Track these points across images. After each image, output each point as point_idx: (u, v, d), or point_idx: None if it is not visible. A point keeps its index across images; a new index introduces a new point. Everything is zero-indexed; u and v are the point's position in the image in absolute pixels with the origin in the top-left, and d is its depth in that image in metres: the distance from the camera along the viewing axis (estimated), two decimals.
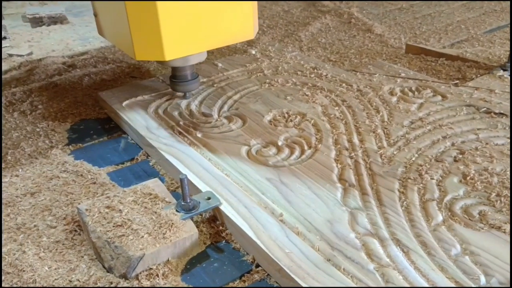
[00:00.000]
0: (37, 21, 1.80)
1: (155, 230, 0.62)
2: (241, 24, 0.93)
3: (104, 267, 0.62)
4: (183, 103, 1.02)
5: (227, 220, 0.68)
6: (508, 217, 0.65)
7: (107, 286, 0.59)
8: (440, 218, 0.66)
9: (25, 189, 0.77)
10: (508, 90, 1.02)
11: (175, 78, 1.00)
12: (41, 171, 0.82)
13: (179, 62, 0.94)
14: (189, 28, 0.87)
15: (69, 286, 0.59)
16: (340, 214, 0.67)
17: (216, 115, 0.97)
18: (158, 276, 0.60)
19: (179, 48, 0.88)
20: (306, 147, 0.85)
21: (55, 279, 0.59)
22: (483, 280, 0.56)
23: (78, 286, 0.58)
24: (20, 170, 0.83)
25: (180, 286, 0.60)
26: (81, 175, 0.82)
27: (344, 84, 1.08)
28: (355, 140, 0.86)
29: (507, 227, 0.63)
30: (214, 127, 0.92)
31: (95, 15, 1.03)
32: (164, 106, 1.02)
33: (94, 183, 0.80)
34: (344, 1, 1.93)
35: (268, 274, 0.62)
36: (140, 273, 0.60)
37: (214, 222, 0.71)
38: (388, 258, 0.60)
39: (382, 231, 0.64)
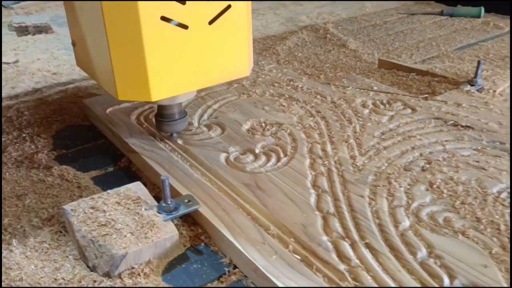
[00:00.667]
0: (22, 30, 1.81)
1: (137, 230, 0.65)
2: (235, 61, 0.85)
3: (88, 266, 0.65)
4: None
5: (206, 223, 0.71)
6: (472, 223, 0.70)
7: (90, 284, 0.62)
8: (407, 223, 0.71)
9: (12, 192, 0.79)
10: (475, 104, 1.08)
11: (161, 117, 0.89)
12: (27, 174, 0.84)
13: (166, 100, 0.85)
14: (178, 66, 0.78)
15: (54, 284, 0.61)
16: (313, 218, 0.71)
17: (197, 123, 1.01)
18: (140, 275, 0.63)
19: (167, 88, 0.78)
20: (282, 155, 0.89)
21: (41, 277, 0.61)
22: (446, 282, 0.61)
23: (63, 284, 0.61)
24: (7, 174, 0.85)
25: (161, 285, 0.63)
26: (66, 179, 0.85)
27: (319, 96, 1.13)
28: (329, 149, 0.90)
29: (470, 232, 0.68)
30: (195, 135, 0.96)
31: (73, 44, 0.93)
32: (146, 114, 1.05)
33: (79, 187, 0.83)
34: (320, 17, 2.00)
35: (245, 275, 0.65)
36: (123, 272, 0.63)
37: (194, 225, 0.74)
38: (358, 260, 0.64)
39: (353, 234, 0.68)
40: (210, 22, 0.77)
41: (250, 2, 0.83)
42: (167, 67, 0.76)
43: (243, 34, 0.83)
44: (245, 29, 0.83)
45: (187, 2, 0.73)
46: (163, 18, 0.72)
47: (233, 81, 1.15)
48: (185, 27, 0.75)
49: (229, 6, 0.78)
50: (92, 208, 0.69)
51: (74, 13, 0.84)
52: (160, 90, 0.77)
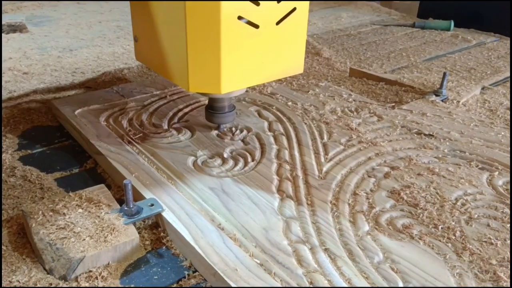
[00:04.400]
0: None
1: (97, 233, 0.65)
2: (293, 58, 0.91)
3: (45, 269, 0.64)
4: (134, 114, 1.06)
5: (168, 226, 0.72)
6: (429, 229, 0.72)
7: (46, 286, 0.61)
8: (366, 228, 0.72)
9: None
10: (439, 113, 1.11)
11: (212, 109, 0.96)
12: None
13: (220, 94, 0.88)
14: (246, 62, 0.83)
15: (8, 286, 0.60)
16: (275, 223, 0.72)
17: (166, 126, 1.01)
18: (97, 279, 0.63)
19: (234, 82, 0.84)
20: (250, 160, 0.90)
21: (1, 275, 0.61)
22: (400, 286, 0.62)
23: (17, 286, 0.60)
24: None
25: (118, 287, 0.63)
26: (29, 180, 0.84)
27: (290, 103, 1.14)
28: (296, 154, 0.91)
29: (427, 238, 0.70)
30: (164, 138, 0.96)
31: (136, 39, 0.97)
32: (115, 116, 1.05)
33: (41, 188, 0.82)
34: None
35: (204, 279, 0.66)
36: (80, 275, 0.63)
37: (156, 229, 0.74)
38: (316, 264, 0.65)
39: (313, 239, 0.69)
40: (277, 23, 0.84)
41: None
42: (237, 62, 0.82)
43: (302, 34, 0.90)
44: (305, 29, 0.90)
45: (261, 3, 0.79)
46: (239, 18, 0.78)
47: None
48: (256, 26, 0.81)
49: (294, 9, 0.85)
50: (52, 210, 0.68)
51: (144, 10, 0.88)
52: (229, 84, 0.83)
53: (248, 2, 0.78)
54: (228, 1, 0.75)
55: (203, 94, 0.89)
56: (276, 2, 0.82)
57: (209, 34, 0.77)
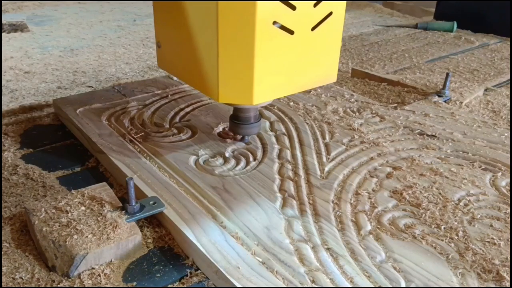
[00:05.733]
0: None
1: (99, 231, 0.65)
2: (327, 67, 0.85)
3: (47, 266, 0.64)
4: (136, 113, 1.06)
5: (170, 224, 0.71)
6: (431, 228, 0.72)
7: (49, 284, 0.61)
8: (368, 228, 0.72)
9: None
10: (441, 114, 1.10)
11: (236, 119, 0.91)
12: None
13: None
14: (279, 71, 0.77)
15: (11, 283, 0.60)
16: (277, 222, 0.72)
17: (168, 125, 1.01)
18: (100, 276, 0.63)
19: (267, 93, 0.78)
20: (251, 159, 0.89)
21: (1, 275, 0.61)
22: (403, 285, 0.62)
23: (21, 283, 0.60)
24: None
25: (121, 286, 0.63)
26: (31, 178, 0.84)
27: (292, 103, 1.14)
28: (298, 154, 0.91)
29: (429, 238, 0.70)
30: (165, 137, 0.96)
31: (158, 46, 0.90)
32: (117, 115, 1.05)
33: (44, 186, 0.82)
34: None
35: (206, 277, 0.65)
36: (83, 272, 0.63)
37: (158, 227, 0.74)
38: (318, 263, 0.65)
39: (315, 238, 0.69)
40: (313, 28, 0.78)
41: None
42: (270, 71, 0.76)
43: (337, 41, 0.85)
44: (340, 35, 0.85)
45: (297, 7, 0.74)
46: (273, 23, 0.72)
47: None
48: (291, 32, 0.75)
49: (331, 13, 0.80)
50: (55, 208, 0.68)
51: (170, 13, 0.83)
52: (261, 94, 0.77)
53: (284, 5, 0.72)
54: (264, 1, 0.69)
55: (230, 104, 0.84)
56: (312, 5, 0.76)
57: (243, 40, 0.71)
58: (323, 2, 0.77)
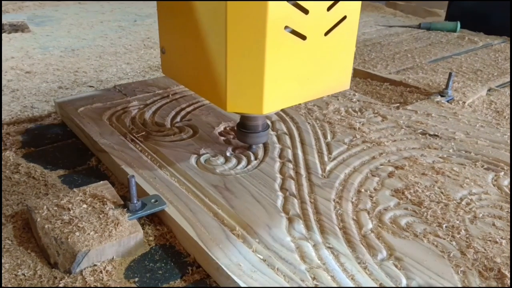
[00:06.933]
0: None
1: (101, 228, 0.65)
2: (340, 73, 0.82)
3: (49, 263, 0.64)
4: (137, 112, 1.06)
5: (171, 222, 0.72)
6: (433, 227, 0.71)
7: (51, 280, 0.61)
8: (370, 226, 0.72)
9: None
10: (444, 114, 1.10)
11: (244, 127, 0.87)
12: None
13: None
14: (291, 78, 0.74)
15: (14, 279, 0.60)
16: (278, 220, 0.72)
17: (169, 125, 1.01)
18: (101, 273, 0.63)
19: (278, 101, 0.74)
20: (252, 158, 0.89)
21: (1, 273, 0.61)
22: (404, 283, 0.62)
23: (23, 280, 0.60)
24: None
25: (122, 283, 0.63)
26: (33, 177, 0.84)
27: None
28: (299, 153, 0.91)
29: (431, 236, 0.70)
30: (166, 136, 0.96)
31: (163, 51, 0.86)
32: (118, 114, 1.05)
33: (45, 185, 0.82)
34: None
35: (207, 274, 0.65)
36: (85, 269, 0.63)
37: (159, 225, 0.74)
38: (319, 260, 0.64)
39: (316, 236, 0.69)
40: (326, 33, 0.75)
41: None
42: (281, 78, 0.72)
43: (351, 46, 0.81)
44: (354, 40, 0.82)
45: (310, 11, 0.70)
46: (285, 27, 0.69)
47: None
48: (303, 37, 0.72)
49: (344, 17, 0.77)
50: (57, 205, 0.69)
51: (175, 19, 0.80)
52: (272, 103, 0.73)
53: (296, 9, 0.69)
54: (276, 1, 0.65)
55: (238, 113, 0.80)
56: (326, 9, 0.73)
57: (253, 46, 0.68)
58: (337, 5, 0.74)
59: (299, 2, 0.69)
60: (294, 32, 0.71)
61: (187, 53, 0.79)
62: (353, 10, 0.77)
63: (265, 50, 0.68)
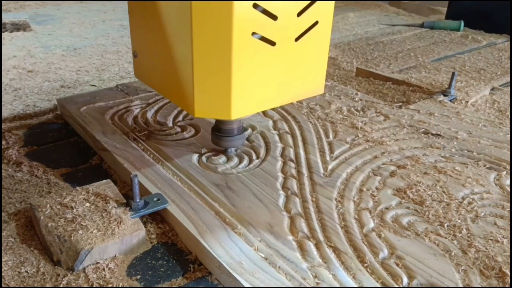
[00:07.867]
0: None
1: (104, 226, 0.66)
2: (313, 78, 0.81)
3: (52, 260, 0.65)
4: (139, 111, 1.06)
5: (174, 220, 0.72)
6: (434, 226, 0.72)
7: (54, 278, 0.61)
8: (372, 225, 0.72)
9: None
10: (446, 113, 1.10)
11: (218, 131, 0.86)
12: None
13: None
14: (260, 84, 0.73)
15: (17, 277, 0.61)
16: (280, 218, 0.72)
17: (171, 124, 1.02)
18: (104, 270, 0.63)
19: (247, 107, 0.74)
20: (254, 157, 0.90)
21: (5, 270, 0.61)
22: (405, 281, 0.62)
23: (26, 277, 0.61)
24: None
25: (125, 280, 0.63)
26: (36, 175, 0.85)
27: (295, 102, 1.15)
28: (301, 152, 0.91)
29: (432, 235, 0.70)
30: (168, 135, 0.96)
31: (135, 55, 0.86)
32: (120, 114, 1.05)
33: (48, 183, 0.83)
34: None
35: (209, 272, 0.66)
36: (87, 266, 0.63)
37: (162, 223, 0.74)
38: (321, 259, 0.65)
39: (318, 234, 0.69)
40: (297, 39, 0.74)
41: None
42: (250, 84, 0.72)
43: (324, 51, 0.80)
44: (327, 45, 0.81)
45: (278, 17, 0.70)
46: (253, 34, 0.68)
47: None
48: (272, 43, 0.71)
49: (316, 22, 0.75)
50: (60, 204, 0.69)
51: (145, 23, 0.79)
52: (240, 108, 0.73)
53: (264, 15, 0.68)
54: (242, 1, 0.64)
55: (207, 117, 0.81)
56: (295, 15, 0.72)
57: (220, 51, 0.67)
58: (308, 10, 0.73)
59: (267, 8, 0.68)
60: (262, 38, 0.70)
61: (157, 58, 0.78)
62: (325, 15, 0.76)
63: (231, 56, 0.67)
